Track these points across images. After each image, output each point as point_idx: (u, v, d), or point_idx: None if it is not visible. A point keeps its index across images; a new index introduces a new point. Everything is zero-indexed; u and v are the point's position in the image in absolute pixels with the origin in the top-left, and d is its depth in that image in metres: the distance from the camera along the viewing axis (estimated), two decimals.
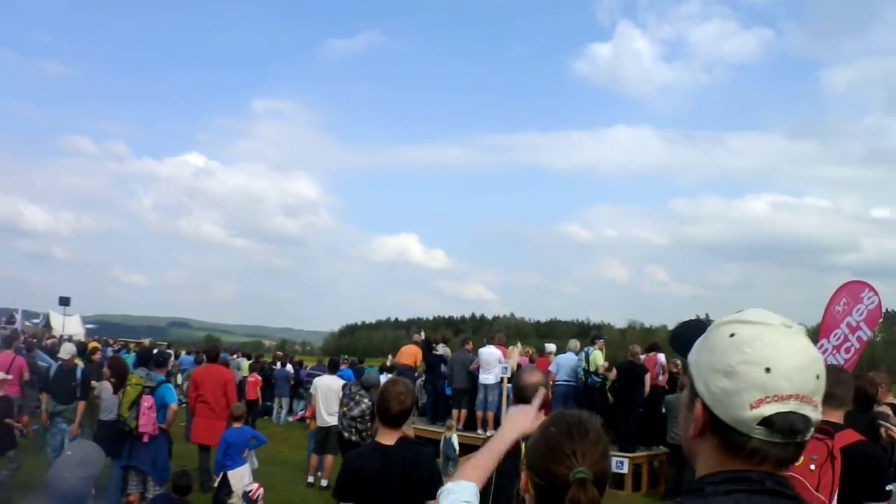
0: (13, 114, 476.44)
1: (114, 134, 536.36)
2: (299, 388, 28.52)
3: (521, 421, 3.06)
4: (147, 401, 11.50)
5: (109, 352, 32.88)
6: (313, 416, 16.11)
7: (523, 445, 3.03)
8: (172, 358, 31.46)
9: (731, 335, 1.76)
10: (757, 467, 1.75)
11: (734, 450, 1.75)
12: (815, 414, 1.75)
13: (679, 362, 20.12)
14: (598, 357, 18.30)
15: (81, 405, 12.93)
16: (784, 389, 1.70)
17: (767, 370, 1.70)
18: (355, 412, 12.11)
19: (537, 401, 3.24)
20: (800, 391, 1.71)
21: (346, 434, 12.23)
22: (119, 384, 12.86)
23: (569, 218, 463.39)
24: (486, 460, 2.85)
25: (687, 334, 2.22)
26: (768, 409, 1.69)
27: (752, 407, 1.70)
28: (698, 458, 1.86)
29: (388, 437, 5.67)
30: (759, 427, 1.71)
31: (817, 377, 1.75)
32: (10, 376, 13.58)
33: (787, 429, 1.70)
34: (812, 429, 1.75)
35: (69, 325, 55.69)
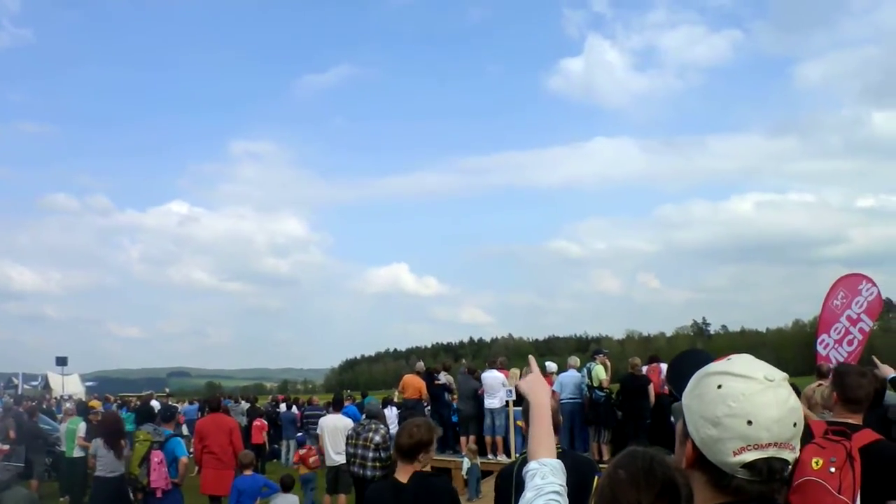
0: None
1: (94, 188, 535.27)
2: (304, 428, 28.47)
3: (540, 387, 3.05)
4: (157, 456, 11.49)
5: (113, 409, 32.84)
6: (301, 461, 16.23)
7: (596, 479, 3.02)
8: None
9: (719, 387, 2.01)
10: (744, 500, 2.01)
11: (721, 486, 2.02)
12: (792, 455, 1.99)
13: None
14: (600, 371, 18.31)
15: None
16: (763, 439, 1.94)
17: (749, 423, 1.94)
18: (377, 438, 11.93)
19: (534, 366, 3.26)
20: (778, 440, 1.95)
21: (369, 473, 11.99)
22: (111, 439, 12.80)
23: (557, 234, 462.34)
24: (547, 435, 2.85)
25: (682, 369, 2.28)
26: (749, 456, 1.95)
27: (735, 454, 1.96)
28: (693, 486, 2.13)
29: (402, 473, 5.72)
30: (741, 469, 1.97)
31: (794, 425, 1.99)
32: None
33: (766, 471, 1.96)
34: (790, 467, 2.02)
35: (68, 385, 55.68)
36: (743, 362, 2.05)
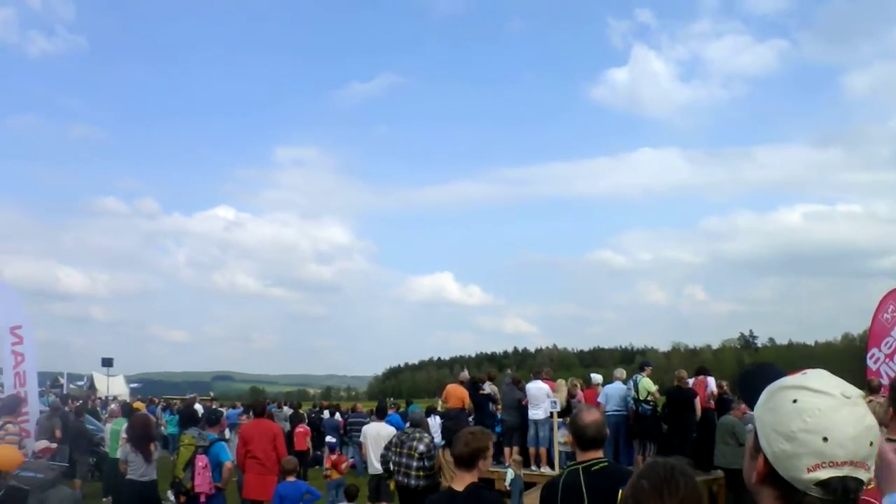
0: (42, 178, 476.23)
1: (142, 192, 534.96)
2: (346, 435, 28.49)
3: None
4: (201, 460, 11.50)
5: (158, 411, 33.09)
6: (334, 465, 16.21)
7: (620, 492, 3.02)
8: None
9: (794, 401, 1.95)
10: None
11: (791, 502, 1.94)
12: (867, 475, 1.92)
13: (725, 384, 19.99)
14: (647, 384, 18.13)
15: None
16: (839, 457, 1.87)
17: (825, 439, 1.87)
18: (421, 447, 11.94)
19: None
20: (853, 458, 1.89)
21: (413, 482, 11.99)
22: (139, 442, 12.75)
23: (601, 245, 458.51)
24: None
25: (754, 382, 2.21)
26: (824, 474, 1.87)
27: (809, 470, 1.88)
28: (761, 502, 2.02)
29: (458, 482, 5.77)
30: (815, 487, 1.89)
31: (871, 444, 1.92)
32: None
33: (840, 490, 1.88)
34: (864, 487, 1.92)
35: (113, 386, 56.11)
36: (819, 377, 2.00)
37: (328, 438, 26.38)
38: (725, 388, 19.66)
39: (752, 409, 2.12)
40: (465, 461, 5.76)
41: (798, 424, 1.90)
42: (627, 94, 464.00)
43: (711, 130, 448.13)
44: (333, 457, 17.19)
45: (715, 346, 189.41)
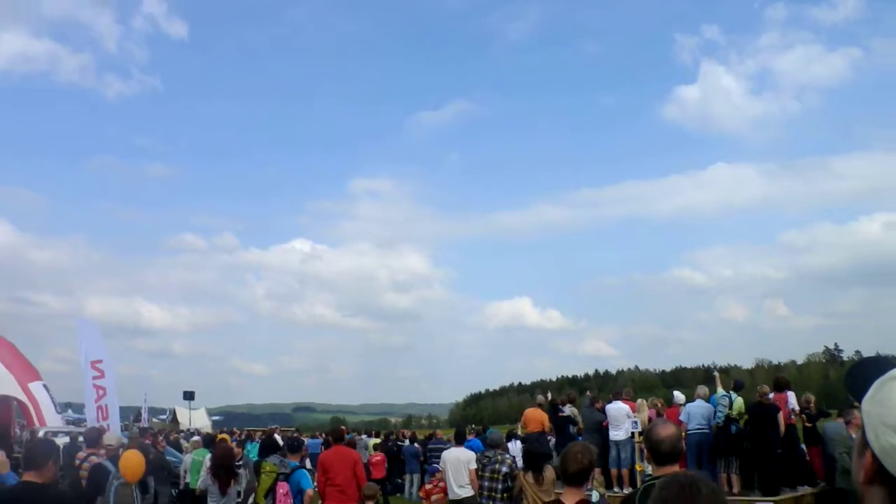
0: (120, 218, 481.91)
1: (220, 228, 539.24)
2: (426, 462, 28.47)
3: None
4: (282, 487, 11.53)
5: (239, 441, 33.29)
6: (426, 495, 16.09)
7: None
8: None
9: None
10: None
11: None
12: None
13: (811, 397, 19.40)
14: (741, 403, 17.75)
15: None
16: None
17: None
18: (504, 469, 12.09)
19: None
20: None
21: None
22: (218, 472, 12.88)
23: (679, 263, 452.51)
24: None
25: (863, 374, 2.03)
26: None
27: None
28: None
29: (569, 497, 5.89)
30: None
31: None
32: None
33: None
34: None
35: (196, 419, 56.87)
36: None
37: (431, 467, 26.36)
38: (813, 403, 19.08)
39: (858, 400, 1.94)
40: (574, 478, 5.88)
41: None
42: (699, 110, 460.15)
43: (786, 143, 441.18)
44: (429, 486, 17.00)
45: (799, 361, 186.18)
